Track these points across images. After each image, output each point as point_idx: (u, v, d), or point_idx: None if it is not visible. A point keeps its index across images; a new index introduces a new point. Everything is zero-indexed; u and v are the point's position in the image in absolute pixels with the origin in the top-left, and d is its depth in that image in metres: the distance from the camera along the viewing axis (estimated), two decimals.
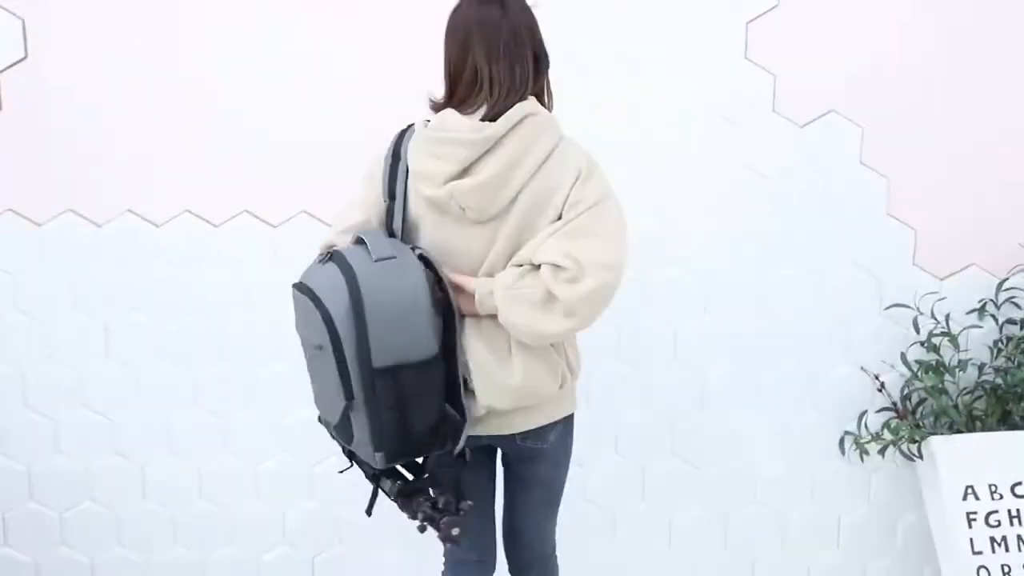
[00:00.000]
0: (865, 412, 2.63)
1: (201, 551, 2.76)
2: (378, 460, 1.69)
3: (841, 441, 2.66)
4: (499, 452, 2.02)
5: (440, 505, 1.75)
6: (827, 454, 2.69)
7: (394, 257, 1.69)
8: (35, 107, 2.55)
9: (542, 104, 1.79)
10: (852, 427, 2.64)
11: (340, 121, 2.54)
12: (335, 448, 2.66)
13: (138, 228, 2.60)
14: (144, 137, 2.57)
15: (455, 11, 1.80)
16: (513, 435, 1.87)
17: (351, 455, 1.86)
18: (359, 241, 1.76)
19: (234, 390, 2.68)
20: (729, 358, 2.65)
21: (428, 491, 1.78)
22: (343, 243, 1.81)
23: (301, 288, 1.72)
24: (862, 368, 2.63)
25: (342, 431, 1.75)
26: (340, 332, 1.63)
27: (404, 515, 1.81)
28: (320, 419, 1.86)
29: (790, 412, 2.68)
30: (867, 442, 2.61)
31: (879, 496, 2.71)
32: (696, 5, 2.49)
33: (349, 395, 1.66)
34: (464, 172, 1.71)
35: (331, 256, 1.70)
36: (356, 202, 1.87)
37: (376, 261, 1.67)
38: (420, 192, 1.76)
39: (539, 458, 1.94)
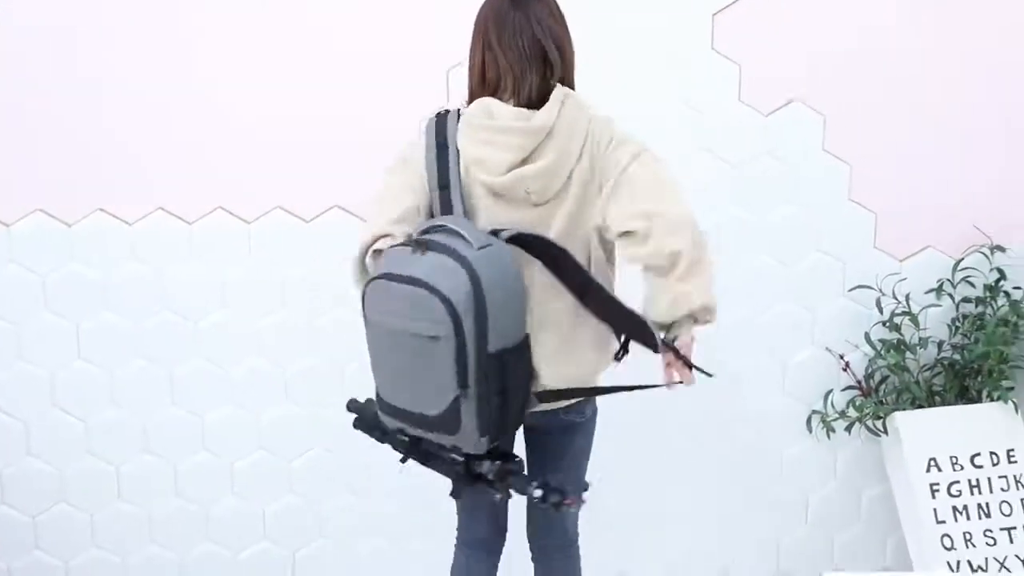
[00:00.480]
0: (831, 391, 2.72)
1: (179, 550, 2.75)
2: (483, 444, 1.71)
3: (808, 420, 2.74)
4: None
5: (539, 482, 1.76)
6: (796, 433, 2.77)
7: (491, 244, 1.70)
8: (3, 107, 2.51)
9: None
10: (819, 406, 2.73)
11: (318, 118, 2.55)
12: (314, 442, 2.70)
13: (110, 226, 2.58)
14: (116, 135, 2.54)
15: (481, 8, 1.86)
16: (558, 409, 1.93)
17: (412, 449, 1.85)
18: (442, 230, 1.72)
19: (210, 388, 2.67)
20: (700, 341, 2.71)
21: (522, 469, 1.82)
22: (399, 232, 1.78)
23: (406, 280, 1.65)
24: (827, 348, 2.72)
25: (444, 423, 1.71)
26: (463, 321, 1.62)
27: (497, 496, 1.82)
28: (396, 414, 1.80)
29: (760, 393, 2.75)
30: (834, 420, 2.70)
31: (845, 471, 2.80)
32: None
33: (464, 383, 1.65)
34: (526, 160, 1.76)
35: (428, 245, 1.67)
36: (399, 188, 1.84)
37: (479, 249, 1.67)
38: (478, 179, 1.79)
39: (575, 430, 2.02)
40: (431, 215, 1.83)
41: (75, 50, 2.50)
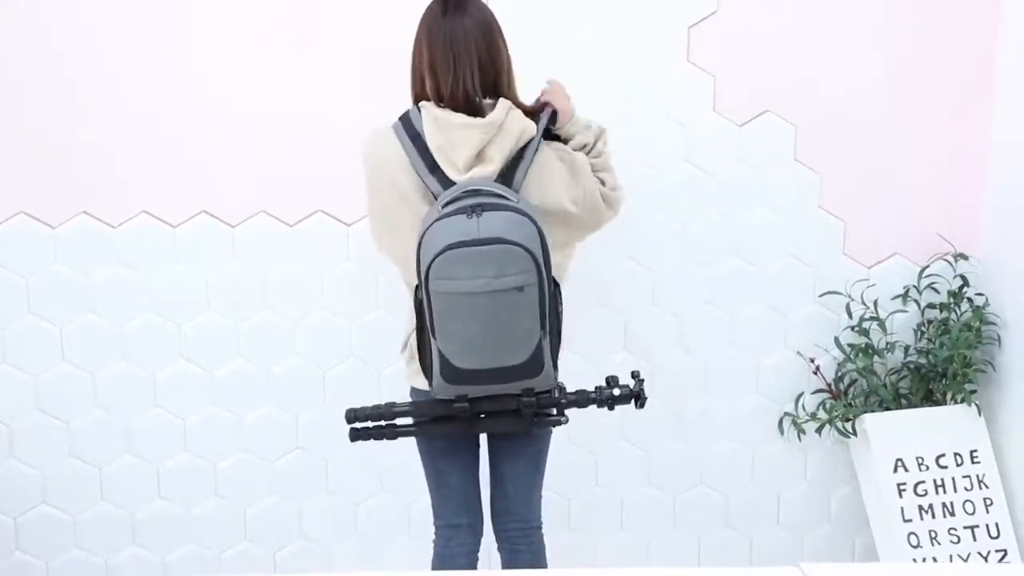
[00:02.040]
0: (802, 394, 2.80)
1: (160, 550, 2.77)
2: (555, 377, 1.97)
3: (780, 422, 2.82)
4: None
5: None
6: (768, 435, 2.84)
7: (519, 194, 1.93)
8: None
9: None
10: (791, 408, 2.80)
11: (304, 123, 2.59)
12: (296, 443, 2.73)
13: (94, 229, 2.60)
14: (100, 137, 2.57)
15: (421, 18, 2.00)
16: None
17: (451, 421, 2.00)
18: (475, 194, 1.87)
19: (192, 389, 2.70)
20: (676, 346, 2.78)
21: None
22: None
23: (486, 241, 1.80)
24: (798, 352, 2.80)
25: (530, 367, 1.90)
26: (542, 266, 1.84)
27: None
28: (448, 382, 1.92)
29: (733, 396, 2.82)
30: (804, 422, 2.77)
31: (815, 472, 2.87)
32: (641, 11, 2.61)
33: (543, 324, 1.88)
34: (478, 157, 1.92)
35: (482, 207, 1.82)
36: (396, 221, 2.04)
37: (518, 202, 1.87)
38: (445, 170, 1.94)
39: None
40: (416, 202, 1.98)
41: (60, 52, 2.53)
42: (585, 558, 2.86)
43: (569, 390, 2.02)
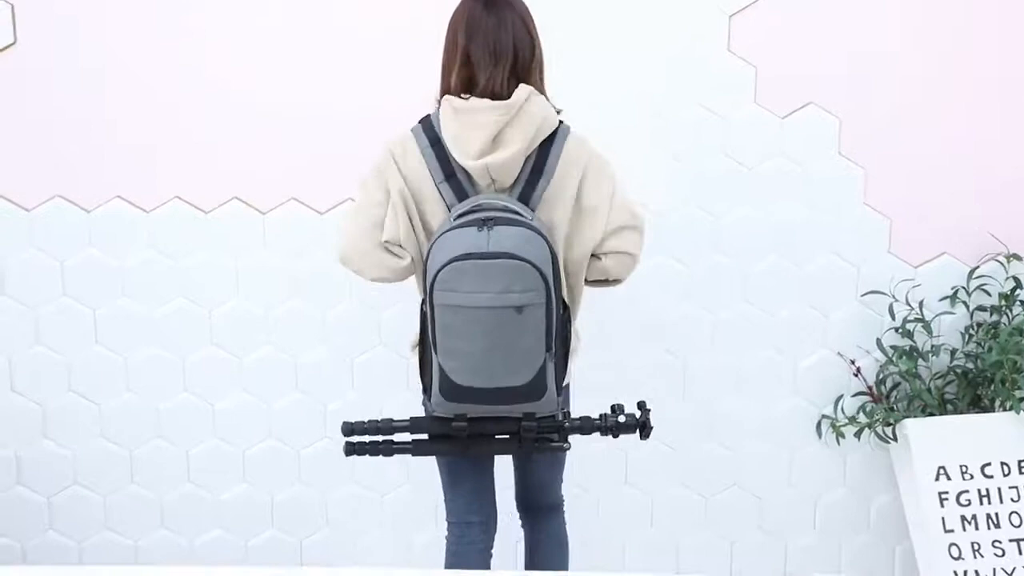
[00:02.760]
0: (841, 396, 2.71)
1: (189, 534, 2.79)
2: (557, 403, 1.87)
3: (818, 424, 2.73)
4: None
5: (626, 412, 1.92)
6: (805, 437, 2.75)
7: (534, 212, 1.89)
8: (24, 93, 2.56)
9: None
10: (829, 411, 2.71)
11: (336, 112, 2.58)
12: (323, 432, 2.72)
13: (127, 214, 2.62)
14: (134, 123, 2.59)
15: (454, 11, 1.97)
16: None
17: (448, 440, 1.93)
18: (487, 208, 1.82)
19: (222, 375, 2.71)
20: (710, 343, 2.71)
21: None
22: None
23: (495, 255, 1.74)
24: (839, 353, 2.71)
25: (532, 390, 1.83)
26: (551, 286, 1.77)
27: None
28: (446, 399, 1.86)
29: (769, 397, 2.74)
30: (843, 425, 2.68)
31: (854, 477, 2.78)
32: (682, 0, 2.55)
33: (550, 346, 1.81)
34: (495, 142, 1.86)
35: (494, 220, 1.77)
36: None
37: (532, 219, 1.82)
38: (456, 161, 1.89)
39: None
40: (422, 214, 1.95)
41: (93, 39, 2.55)
42: (613, 556, 2.80)
43: (574, 415, 1.94)
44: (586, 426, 1.89)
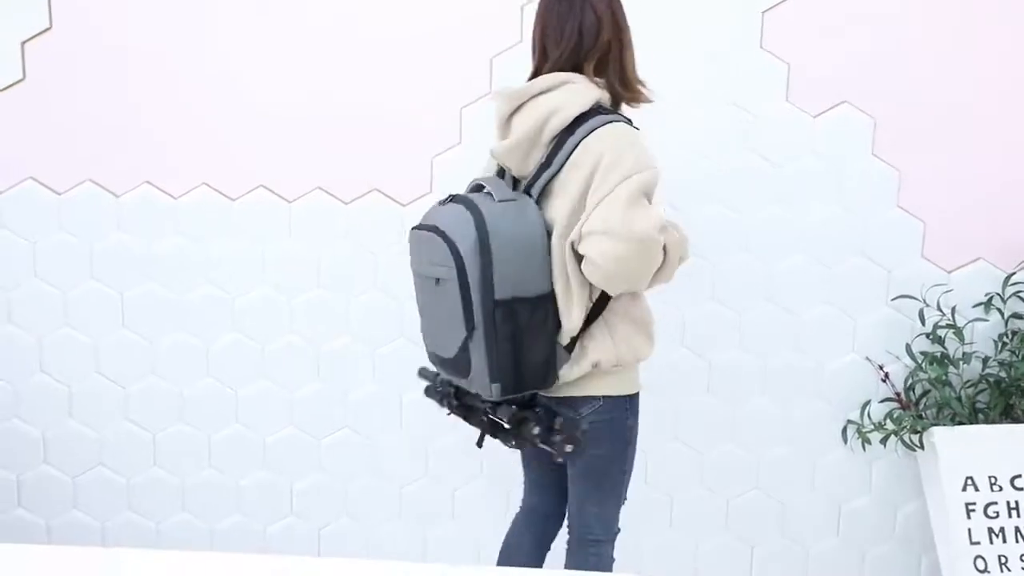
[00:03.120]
0: (868, 401, 2.65)
1: (209, 519, 2.81)
2: (494, 392, 1.79)
3: (844, 430, 2.68)
4: None
5: (557, 426, 1.84)
6: (830, 442, 2.70)
7: (515, 199, 1.81)
8: (58, 77, 2.60)
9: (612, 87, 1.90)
10: (855, 416, 2.66)
11: (361, 103, 2.58)
12: (344, 422, 2.73)
13: (156, 199, 2.65)
14: (165, 109, 2.61)
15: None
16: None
17: (451, 396, 1.99)
18: (478, 188, 1.90)
19: (246, 362, 2.72)
20: (736, 344, 2.67)
21: (538, 417, 1.85)
22: None
23: (424, 227, 1.84)
24: (867, 358, 2.65)
25: (458, 365, 1.85)
26: (466, 264, 1.74)
27: (511, 444, 1.91)
28: (431, 357, 1.99)
29: (794, 399, 2.70)
30: (870, 431, 2.63)
31: (879, 485, 2.72)
32: None
33: (471, 325, 1.77)
34: (504, 129, 1.90)
35: (452, 198, 1.84)
36: None
37: (499, 201, 1.79)
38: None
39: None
40: None
41: (132, 28, 2.57)
42: (630, 556, 2.77)
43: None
44: (523, 432, 1.83)
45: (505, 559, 2.18)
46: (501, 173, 1.96)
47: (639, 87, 1.92)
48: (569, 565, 2.09)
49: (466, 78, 2.55)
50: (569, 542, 2.11)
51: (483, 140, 2.38)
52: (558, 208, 1.81)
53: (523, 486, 2.25)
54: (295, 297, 2.69)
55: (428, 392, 2.07)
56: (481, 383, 1.80)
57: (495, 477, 2.72)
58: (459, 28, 2.50)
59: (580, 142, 1.79)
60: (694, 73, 2.55)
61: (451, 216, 1.79)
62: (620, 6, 1.92)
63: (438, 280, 1.80)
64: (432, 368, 2.08)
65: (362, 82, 2.58)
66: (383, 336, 2.70)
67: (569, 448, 1.83)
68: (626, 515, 2.74)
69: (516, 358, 1.78)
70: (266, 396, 2.74)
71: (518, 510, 2.26)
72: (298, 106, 2.60)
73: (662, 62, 2.52)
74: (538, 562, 2.18)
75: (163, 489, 2.80)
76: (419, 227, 1.87)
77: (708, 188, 2.59)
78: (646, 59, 2.54)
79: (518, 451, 2.17)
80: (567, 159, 1.80)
